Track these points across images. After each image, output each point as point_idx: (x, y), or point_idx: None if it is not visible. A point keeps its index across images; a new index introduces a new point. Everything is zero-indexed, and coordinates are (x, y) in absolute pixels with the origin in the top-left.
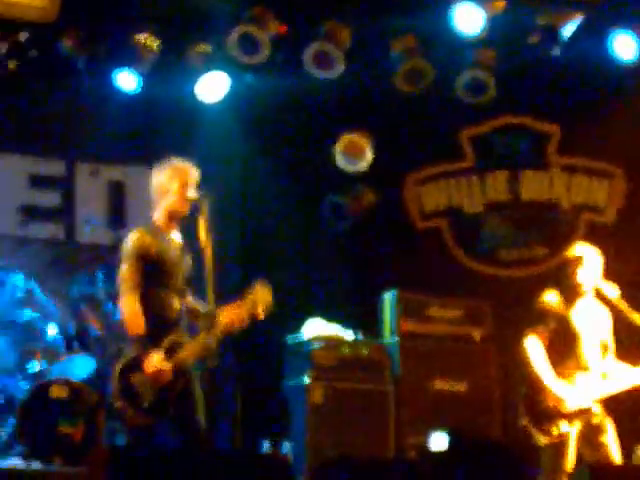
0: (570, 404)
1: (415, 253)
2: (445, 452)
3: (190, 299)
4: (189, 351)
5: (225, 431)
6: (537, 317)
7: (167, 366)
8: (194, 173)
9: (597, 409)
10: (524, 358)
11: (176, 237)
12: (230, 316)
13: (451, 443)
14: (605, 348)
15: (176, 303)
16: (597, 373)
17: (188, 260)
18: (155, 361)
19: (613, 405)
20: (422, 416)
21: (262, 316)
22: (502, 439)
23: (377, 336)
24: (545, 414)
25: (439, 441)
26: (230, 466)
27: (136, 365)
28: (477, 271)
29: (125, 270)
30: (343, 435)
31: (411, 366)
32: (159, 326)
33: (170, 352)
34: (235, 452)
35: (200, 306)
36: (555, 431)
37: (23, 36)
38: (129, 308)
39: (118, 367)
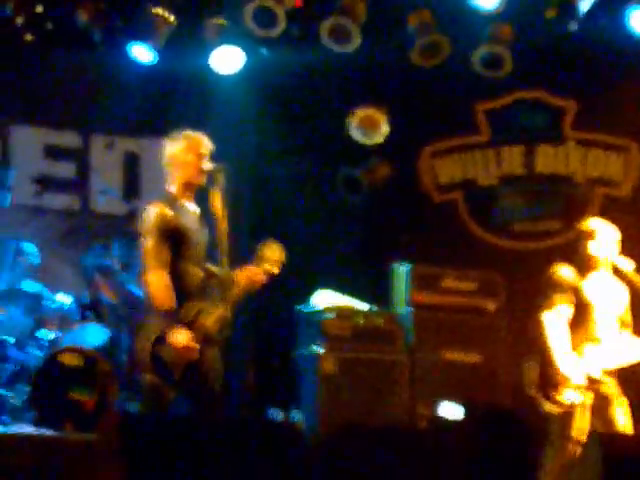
0: (575, 381)
1: (430, 225)
2: (458, 422)
3: (210, 265)
4: (213, 318)
5: (237, 399)
6: (551, 289)
7: (194, 343)
8: (208, 144)
9: (608, 380)
10: (539, 332)
11: (193, 208)
12: (247, 275)
13: (465, 413)
14: (623, 323)
15: (198, 272)
16: (609, 345)
17: (205, 230)
18: (183, 337)
19: (629, 378)
20: (434, 386)
21: (276, 271)
22: (512, 409)
23: (389, 307)
24: (555, 384)
25: (453, 411)
26: (242, 434)
27: (164, 339)
28: (491, 244)
29: (151, 246)
30: (355, 405)
31: (424, 337)
32: (182, 297)
33: (194, 322)
34: (247, 420)
35: (219, 271)
36: (566, 400)
37: (40, 8)
38: (159, 283)
39: (148, 340)
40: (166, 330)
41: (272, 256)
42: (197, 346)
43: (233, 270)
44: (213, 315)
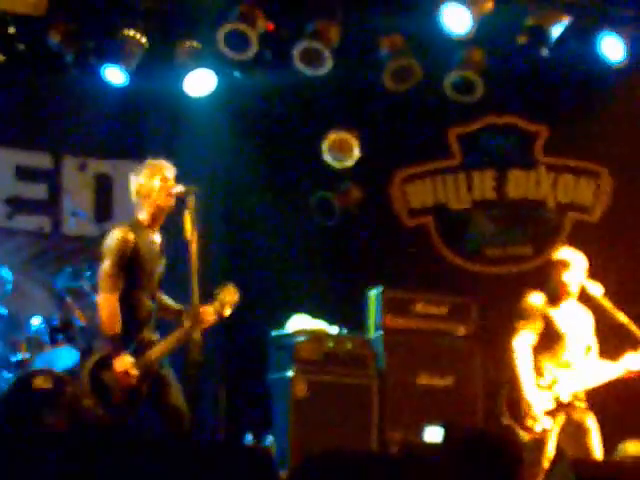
0: (540, 408)
1: (401, 250)
2: (433, 446)
3: (162, 296)
4: (159, 350)
5: (209, 424)
6: (524, 316)
7: (135, 370)
8: (171, 169)
9: (578, 404)
10: (508, 359)
11: (157, 237)
12: (198, 313)
13: (446, 437)
14: (588, 349)
15: (148, 303)
16: (579, 369)
17: (163, 261)
18: (125, 363)
19: (597, 402)
20: (405, 411)
21: (226, 314)
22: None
23: (362, 332)
24: (524, 412)
25: (434, 435)
26: (212, 458)
27: (107, 364)
28: (463, 268)
29: (107, 268)
30: (326, 429)
31: (395, 361)
32: (131, 325)
33: (139, 352)
34: (217, 444)
35: (172, 303)
36: (538, 428)
37: (12, 29)
38: (108, 308)
39: (89, 364)
40: (111, 355)
41: (226, 299)
42: (137, 374)
43: (200, 302)
44: (161, 345)
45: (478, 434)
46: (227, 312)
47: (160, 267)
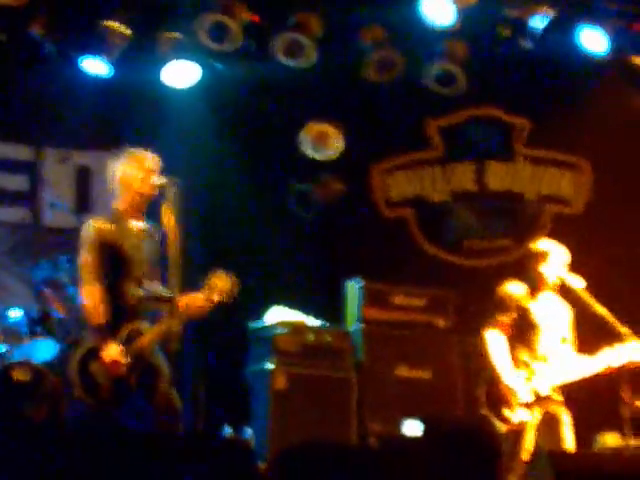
0: (525, 393)
1: (381, 242)
2: (411, 439)
3: (154, 285)
4: (148, 339)
5: (187, 416)
6: (498, 306)
7: (124, 358)
8: (154, 160)
9: (555, 397)
10: (483, 350)
11: (139, 224)
12: (188, 303)
13: (425, 430)
14: (564, 341)
15: (135, 291)
16: (555, 362)
17: (151, 246)
18: (113, 352)
19: (573, 395)
20: (384, 403)
21: (219, 301)
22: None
23: (341, 324)
24: (505, 403)
25: (412, 428)
26: (191, 450)
27: (95, 354)
28: (442, 260)
29: (85, 259)
30: (305, 421)
31: (374, 353)
32: (118, 315)
33: (128, 341)
34: (196, 436)
35: (163, 292)
36: (515, 419)
37: None
38: (91, 298)
39: (77, 356)
40: (99, 345)
41: (217, 285)
42: (125, 361)
43: (182, 291)
44: (150, 334)
45: (458, 427)
46: (216, 298)
47: (145, 254)
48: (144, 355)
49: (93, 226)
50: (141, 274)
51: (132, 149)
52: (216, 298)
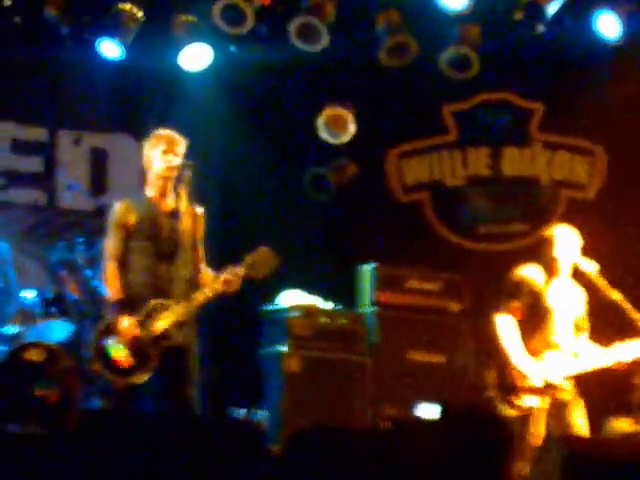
0: (535, 382)
1: (396, 226)
2: (426, 422)
3: (186, 264)
4: (170, 316)
5: (201, 398)
6: (511, 290)
7: (138, 330)
8: (178, 140)
9: (566, 386)
10: (494, 334)
11: (169, 203)
12: (224, 279)
13: (442, 413)
14: (578, 328)
15: (163, 270)
16: (568, 351)
17: (178, 226)
18: (126, 324)
19: (584, 381)
20: (398, 387)
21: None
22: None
23: (354, 307)
24: (512, 387)
25: (430, 411)
26: (204, 432)
27: (112, 329)
28: (457, 245)
29: (106, 239)
30: (318, 404)
31: (388, 337)
32: (144, 292)
33: (151, 315)
34: (209, 418)
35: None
36: (521, 404)
37: (8, 2)
38: (107, 275)
39: (95, 331)
40: (115, 320)
41: (262, 264)
42: (140, 332)
43: (210, 270)
44: (173, 311)
45: (474, 411)
46: (259, 274)
47: (173, 234)
48: (166, 331)
49: (117, 208)
50: (169, 253)
51: (157, 130)
52: (260, 274)
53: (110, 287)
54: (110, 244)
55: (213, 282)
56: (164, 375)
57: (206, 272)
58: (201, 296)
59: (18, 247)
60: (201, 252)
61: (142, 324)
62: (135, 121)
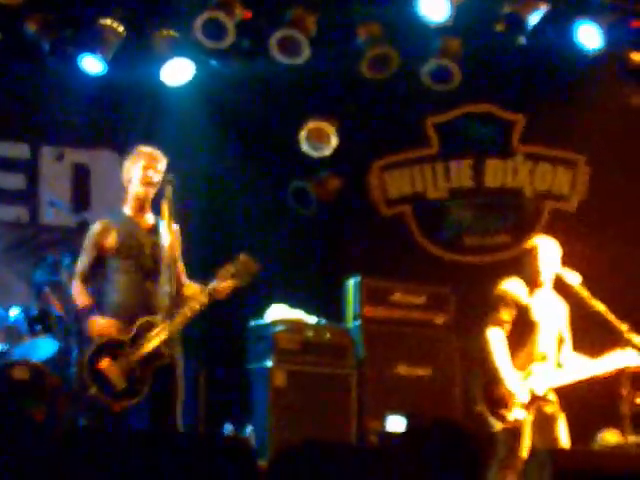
0: (521, 399)
1: (379, 239)
2: (401, 435)
3: (167, 280)
4: (159, 334)
5: (188, 415)
6: (497, 304)
7: (113, 329)
8: (159, 157)
9: (551, 398)
10: (484, 347)
11: (149, 220)
12: (216, 288)
13: (408, 426)
14: (561, 339)
15: (147, 286)
16: (553, 363)
17: (158, 243)
18: (99, 324)
19: (573, 392)
20: (384, 400)
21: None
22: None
23: (340, 321)
24: (501, 401)
25: (396, 424)
26: (191, 449)
27: (103, 352)
28: (441, 257)
29: (81, 258)
30: (305, 419)
31: (374, 350)
32: (132, 310)
33: (140, 334)
34: (196, 435)
35: (173, 288)
36: (510, 417)
37: None
38: (73, 291)
39: (86, 355)
40: (107, 343)
41: (245, 271)
42: (114, 331)
43: (194, 283)
44: (160, 334)
45: (439, 424)
46: (241, 283)
47: (156, 250)
48: (156, 349)
49: (94, 228)
50: (151, 270)
51: (138, 146)
52: (239, 283)
53: (77, 300)
54: (80, 262)
55: (199, 295)
56: (153, 394)
57: (190, 285)
58: (189, 310)
59: (2, 264)
60: (181, 266)
61: (132, 344)
62: (117, 136)
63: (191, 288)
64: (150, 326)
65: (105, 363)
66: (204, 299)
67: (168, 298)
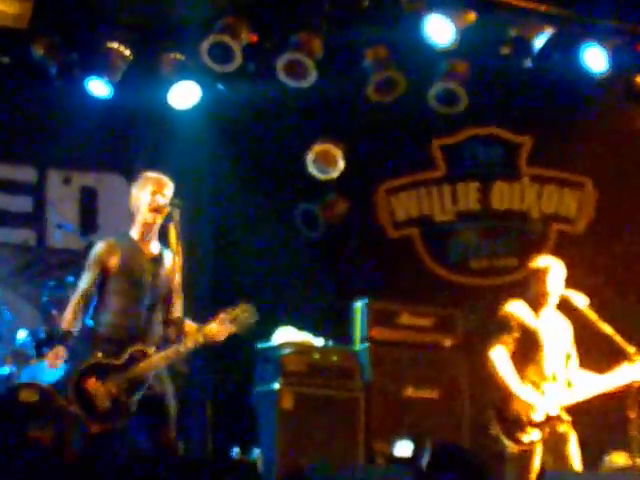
0: (539, 411)
1: (386, 262)
2: (408, 459)
3: (166, 309)
4: (152, 362)
5: (196, 437)
6: (501, 326)
7: (60, 361)
8: (166, 183)
9: (563, 417)
10: (490, 368)
11: (153, 249)
12: (211, 332)
13: (415, 450)
14: (568, 358)
15: (142, 314)
16: (561, 382)
17: (161, 271)
18: (54, 353)
19: (581, 414)
20: (391, 423)
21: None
22: (470, 447)
23: (348, 344)
24: (516, 423)
25: (403, 448)
26: (199, 472)
27: (89, 373)
28: (448, 280)
29: (81, 279)
30: (312, 441)
31: (381, 373)
32: (122, 335)
33: (131, 362)
34: (204, 458)
35: (173, 317)
36: (526, 439)
37: None
38: (68, 307)
39: (75, 372)
40: (91, 364)
41: (243, 320)
42: (61, 361)
43: (191, 322)
44: (153, 358)
45: (444, 449)
46: (240, 331)
47: (156, 279)
48: (146, 379)
49: (98, 248)
50: (148, 297)
51: (145, 172)
52: (238, 330)
53: (64, 319)
54: (83, 280)
55: (195, 333)
56: (144, 422)
57: (188, 323)
58: (182, 347)
59: (9, 287)
60: (179, 298)
61: (123, 369)
62: (124, 160)
63: (188, 326)
64: (142, 355)
65: (92, 383)
66: (200, 339)
67: (161, 328)
